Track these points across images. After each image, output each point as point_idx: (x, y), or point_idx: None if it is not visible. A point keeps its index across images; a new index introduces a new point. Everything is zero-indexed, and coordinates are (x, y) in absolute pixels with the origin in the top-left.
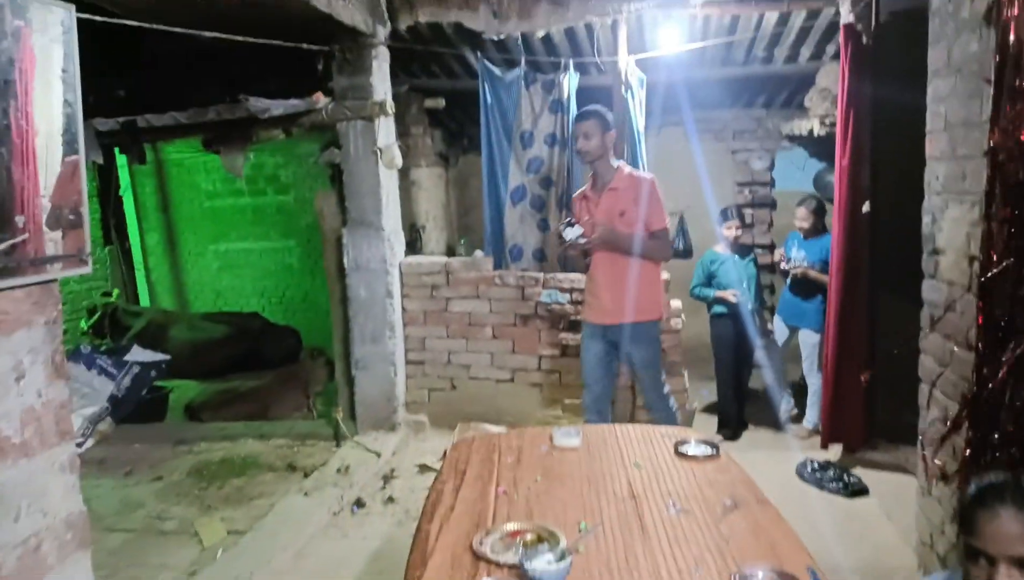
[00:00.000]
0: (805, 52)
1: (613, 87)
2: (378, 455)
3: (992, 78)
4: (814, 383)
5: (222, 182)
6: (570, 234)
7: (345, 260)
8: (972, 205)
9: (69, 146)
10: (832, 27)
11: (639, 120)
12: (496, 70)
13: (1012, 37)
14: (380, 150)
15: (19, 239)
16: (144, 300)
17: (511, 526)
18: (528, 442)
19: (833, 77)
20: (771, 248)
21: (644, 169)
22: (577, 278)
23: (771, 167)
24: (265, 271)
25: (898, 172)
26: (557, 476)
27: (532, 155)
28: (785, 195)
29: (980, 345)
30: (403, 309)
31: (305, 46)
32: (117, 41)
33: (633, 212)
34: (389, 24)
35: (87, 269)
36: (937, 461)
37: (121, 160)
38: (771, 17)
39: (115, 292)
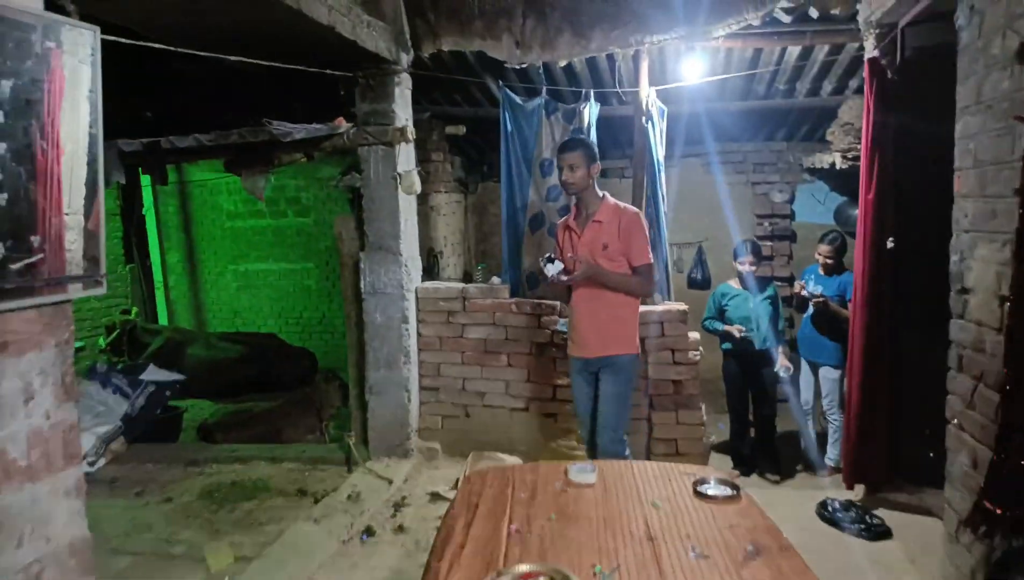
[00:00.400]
0: (827, 86)
1: (634, 117)
2: (389, 482)
3: None
4: (835, 420)
5: (244, 203)
6: (551, 270)
7: (362, 284)
8: (1003, 244)
9: (90, 167)
10: (855, 61)
11: (659, 151)
12: (517, 98)
13: None
14: (400, 175)
15: (34, 259)
16: (163, 318)
17: (523, 568)
18: (543, 477)
19: (856, 111)
20: (790, 281)
21: (664, 200)
22: None
23: (791, 200)
24: (283, 292)
25: (924, 208)
26: (572, 515)
27: (551, 183)
28: (805, 228)
29: (1009, 387)
30: (418, 334)
31: (328, 72)
32: (144, 63)
33: (616, 246)
34: (412, 51)
35: (102, 290)
36: (965, 506)
37: (145, 179)
38: (794, 51)
39: (134, 310)
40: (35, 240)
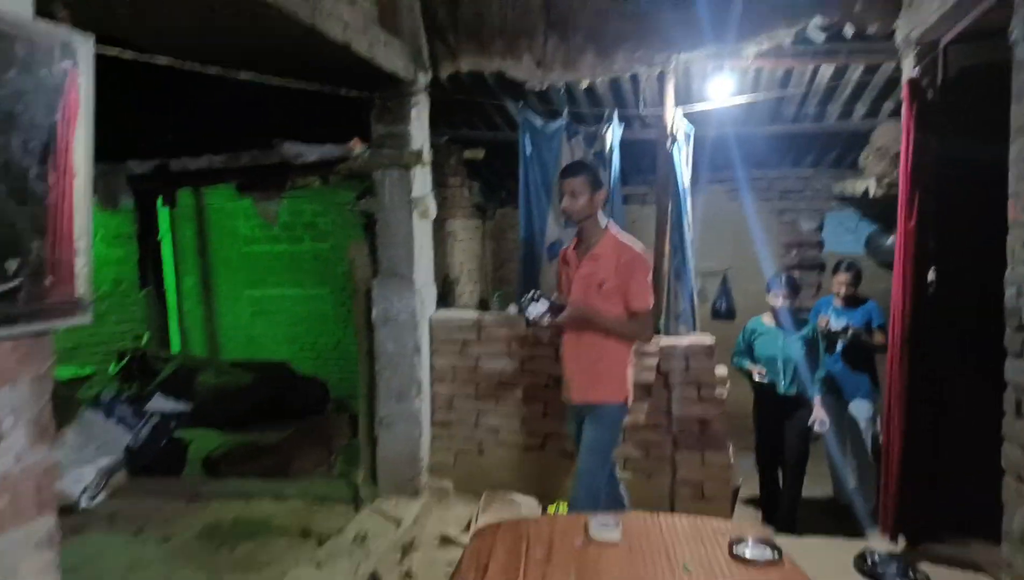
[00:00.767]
0: (860, 109)
1: (658, 140)
2: (398, 523)
3: None
4: (863, 459)
5: (260, 228)
6: (533, 312)
7: (374, 312)
8: None
9: (82, 186)
10: (891, 83)
11: (685, 175)
12: (537, 121)
13: None
14: (415, 200)
15: (9, 286)
16: (176, 343)
17: None
18: (560, 532)
19: (891, 135)
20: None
21: (690, 227)
22: None
23: (820, 228)
24: (298, 318)
25: (970, 237)
26: (593, 578)
27: None
28: (836, 258)
29: None
30: (431, 366)
31: (344, 92)
32: (160, 85)
33: (612, 284)
34: (430, 72)
35: (87, 319)
36: None
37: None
38: (827, 71)
39: (145, 336)
40: (11, 264)
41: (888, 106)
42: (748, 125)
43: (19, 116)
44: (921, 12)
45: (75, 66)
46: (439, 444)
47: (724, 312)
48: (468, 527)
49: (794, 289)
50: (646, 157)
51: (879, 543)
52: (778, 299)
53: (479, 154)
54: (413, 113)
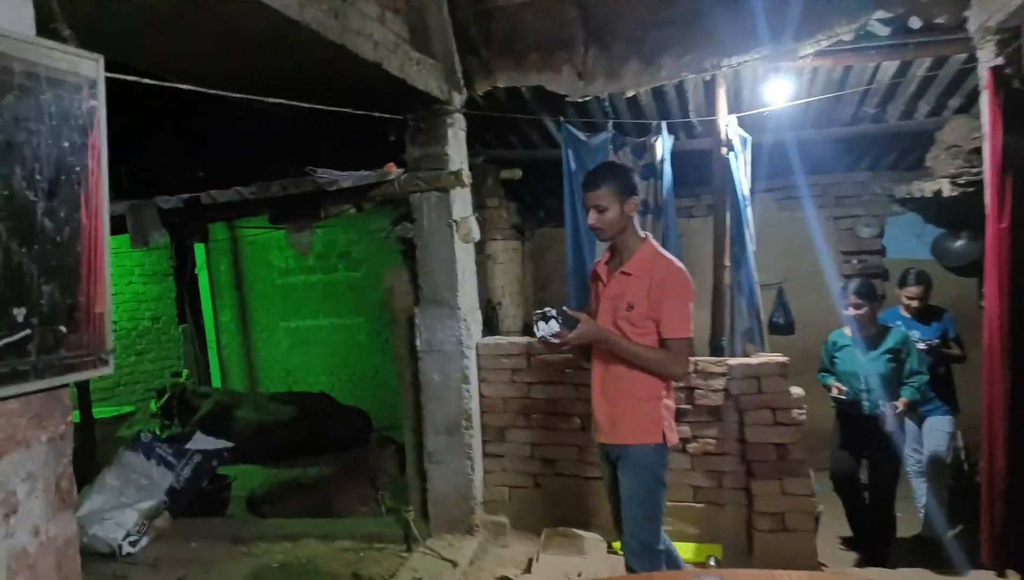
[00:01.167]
0: (923, 107)
1: (712, 149)
2: (453, 564)
3: None
4: (943, 482)
5: (295, 259)
6: (544, 330)
7: (417, 342)
8: None
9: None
10: (959, 76)
11: (744, 185)
12: (581, 135)
13: None
14: (456, 223)
15: (17, 337)
16: (216, 378)
17: None
18: None
19: (962, 132)
20: None
21: (752, 239)
22: None
23: (880, 234)
24: (335, 349)
25: None
26: None
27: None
28: (899, 264)
29: None
30: (480, 395)
31: (377, 114)
32: (180, 115)
33: (642, 308)
34: (464, 90)
35: (108, 370)
36: None
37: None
38: (889, 68)
39: (184, 373)
40: (18, 313)
41: (954, 102)
42: (801, 130)
43: (42, 153)
44: None
45: (98, 104)
46: (492, 478)
47: (783, 326)
48: (528, 567)
49: (865, 295)
50: (692, 168)
51: (983, 577)
52: (848, 309)
53: (516, 174)
54: (450, 133)
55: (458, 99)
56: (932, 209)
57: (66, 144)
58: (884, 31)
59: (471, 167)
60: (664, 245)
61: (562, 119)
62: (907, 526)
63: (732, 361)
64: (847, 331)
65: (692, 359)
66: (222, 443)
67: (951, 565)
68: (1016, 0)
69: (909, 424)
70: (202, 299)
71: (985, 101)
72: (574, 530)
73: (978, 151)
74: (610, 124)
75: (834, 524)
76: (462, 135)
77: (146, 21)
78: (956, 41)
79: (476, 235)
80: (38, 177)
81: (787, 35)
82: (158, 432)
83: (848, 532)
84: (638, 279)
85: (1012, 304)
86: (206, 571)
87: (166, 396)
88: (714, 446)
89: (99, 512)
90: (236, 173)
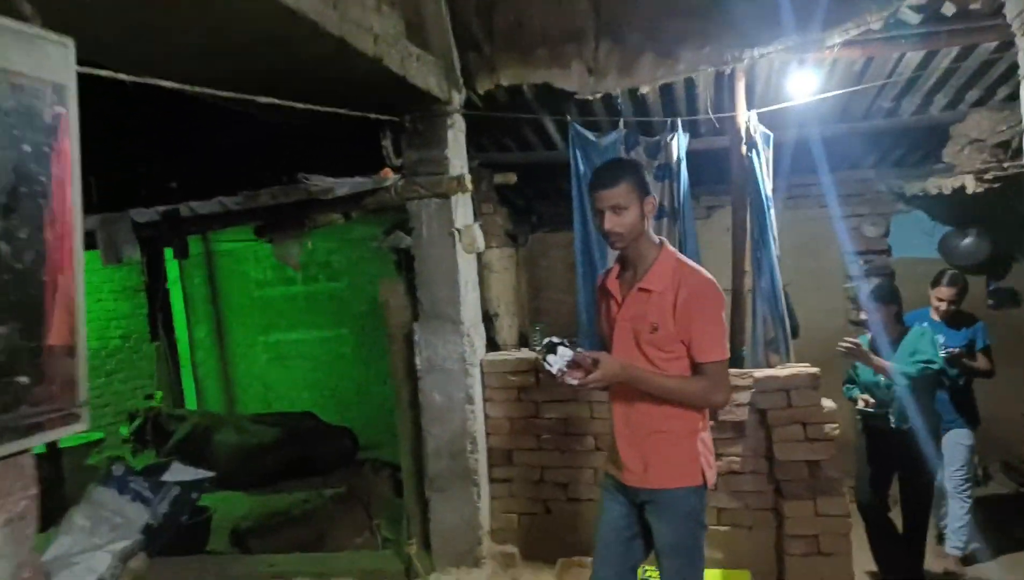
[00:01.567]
0: (939, 101)
1: (731, 147)
2: None
3: None
4: (964, 496)
5: (272, 270)
6: (554, 364)
7: (417, 360)
8: None
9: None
10: (984, 67)
11: (767, 184)
12: (590, 135)
13: None
14: (459, 231)
15: None
16: (191, 397)
17: None
18: None
19: (985, 126)
20: None
21: (775, 242)
22: None
23: (886, 233)
24: (317, 363)
25: None
26: None
27: None
28: (905, 264)
29: None
30: (485, 415)
31: (373, 116)
32: (157, 122)
33: (669, 330)
34: (464, 90)
35: (81, 426)
36: None
37: (169, 251)
38: (912, 59)
39: (158, 395)
40: None
41: (972, 95)
42: (811, 127)
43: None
44: None
45: (68, 100)
46: (500, 505)
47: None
48: None
49: (886, 299)
50: (719, 166)
51: None
52: (868, 313)
53: (511, 178)
54: (449, 135)
55: (457, 99)
56: (937, 207)
57: (26, 148)
58: (915, 18)
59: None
60: (682, 251)
61: (569, 118)
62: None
63: (758, 373)
64: (869, 337)
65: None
66: (202, 472)
67: None
68: None
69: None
70: (175, 315)
71: None
72: (590, 559)
73: (1004, 145)
74: (621, 122)
75: (857, 555)
76: (462, 137)
77: (125, 13)
78: (991, 28)
79: (480, 245)
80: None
81: (814, 24)
82: (131, 458)
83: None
84: (661, 295)
85: None
86: None
87: (138, 420)
88: (739, 464)
89: (67, 556)
90: (218, 184)
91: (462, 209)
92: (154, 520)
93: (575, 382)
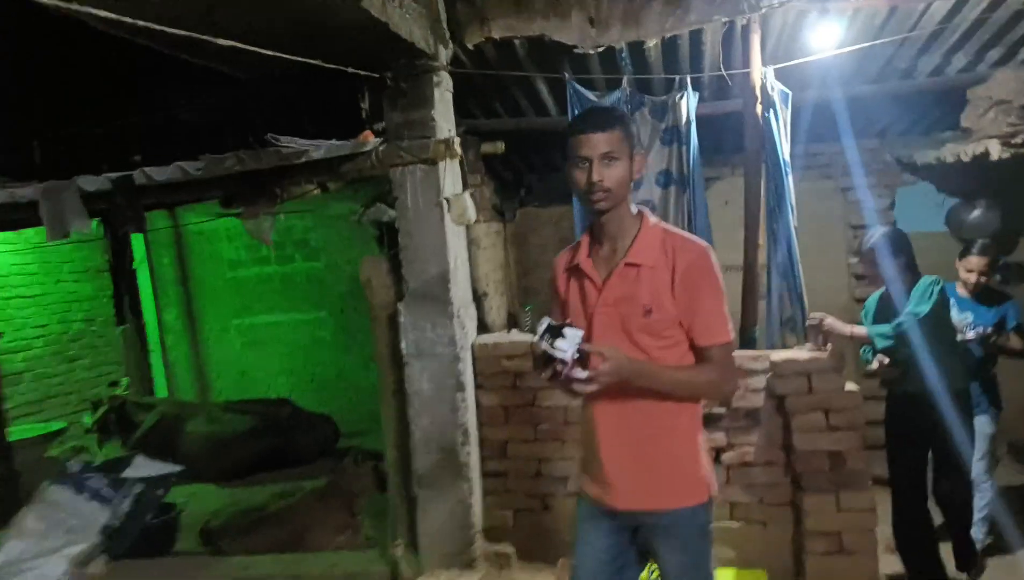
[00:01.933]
0: (958, 61)
1: (745, 107)
2: None
3: None
4: (985, 487)
5: (247, 250)
6: (567, 349)
7: (403, 344)
8: None
9: None
10: (1014, 20)
11: (784, 148)
12: (589, 94)
13: None
14: (447, 201)
15: None
16: (160, 384)
17: None
18: None
19: (1012, 86)
20: None
21: (793, 212)
22: None
23: (891, 206)
24: (294, 346)
25: None
26: None
27: (640, 198)
28: (912, 238)
29: None
30: (478, 405)
31: (351, 70)
32: (110, 76)
33: (668, 311)
34: (451, 44)
35: None
36: None
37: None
38: (938, 10)
39: (123, 382)
40: None
41: (994, 55)
42: (820, 88)
43: None
44: None
45: None
46: (493, 501)
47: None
48: None
49: (896, 246)
50: (731, 128)
51: None
52: (874, 266)
53: (499, 147)
54: (436, 94)
55: (444, 54)
56: (944, 178)
57: None
58: None
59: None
60: (691, 224)
61: (568, 75)
62: None
63: (775, 355)
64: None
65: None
66: (168, 467)
67: None
68: None
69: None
70: (143, 297)
71: None
72: None
73: None
74: (625, 80)
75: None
76: (449, 97)
77: None
78: None
79: (472, 216)
80: None
81: None
82: (96, 449)
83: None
84: (653, 271)
85: None
86: None
87: (102, 409)
88: (753, 455)
89: (18, 562)
90: (177, 148)
91: (451, 177)
92: (115, 521)
93: (584, 377)
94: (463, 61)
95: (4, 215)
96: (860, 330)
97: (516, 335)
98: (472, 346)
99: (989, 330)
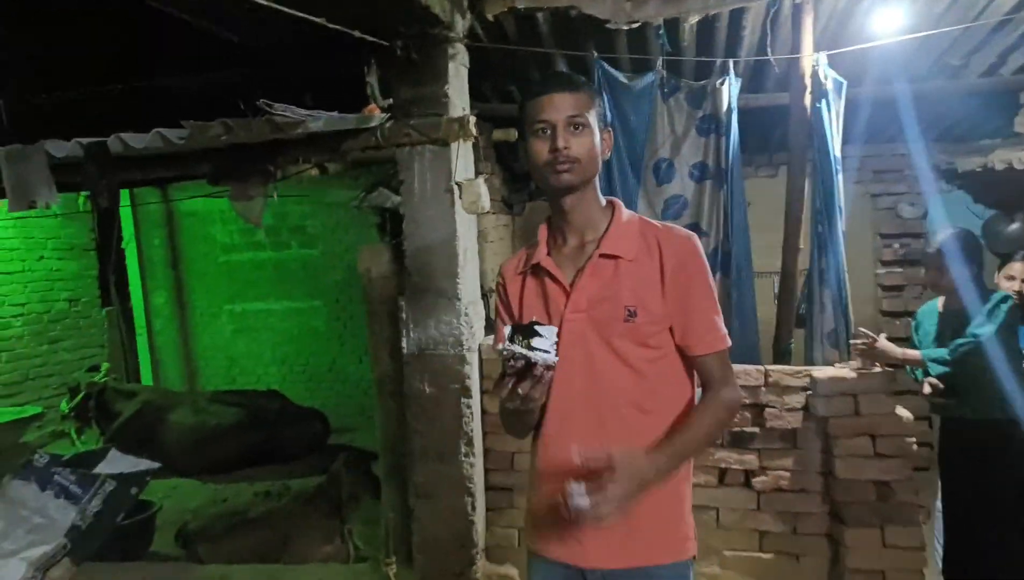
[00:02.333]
0: (1016, 59)
1: (792, 98)
2: None
3: None
4: None
5: (240, 234)
6: (545, 347)
7: (403, 342)
8: None
9: None
10: None
11: (836, 143)
12: (620, 76)
13: None
14: (459, 186)
15: None
16: (146, 371)
17: None
18: None
19: None
20: None
21: (842, 214)
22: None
23: (925, 215)
24: (287, 335)
25: None
26: None
27: (671, 193)
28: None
29: None
30: (483, 411)
31: (357, 34)
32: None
33: (656, 310)
34: (468, 14)
35: None
36: None
37: (125, 210)
38: None
39: (104, 366)
40: None
41: None
42: (856, 84)
43: None
44: None
45: None
46: (498, 517)
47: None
48: None
49: (967, 251)
50: (776, 120)
51: None
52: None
53: (511, 135)
54: (451, 68)
55: (461, 25)
56: (988, 186)
57: None
58: None
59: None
60: (729, 220)
61: (596, 54)
62: None
63: (817, 372)
64: (940, 306)
65: (764, 368)
66: (145, 463)
67: None
68: None
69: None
70: (130, 278)
71: None
72: None
73: None
74: (659, 62)
75: None
76: (464, 73)
77: None
78: None
79: (486, 204)
80: None
81: None
82: (75, 437)
83: None
84: (635, 264)
85: None
86: None
87: (80, 395)
88: (788, 480)
89: None
90: (157, 114)
91: (463, 160)
92: (82, 521)
93: (585, 504)
94: (479, 36)
95: None
96: (914, 355)
97: None
98: (479, 347)
99: None
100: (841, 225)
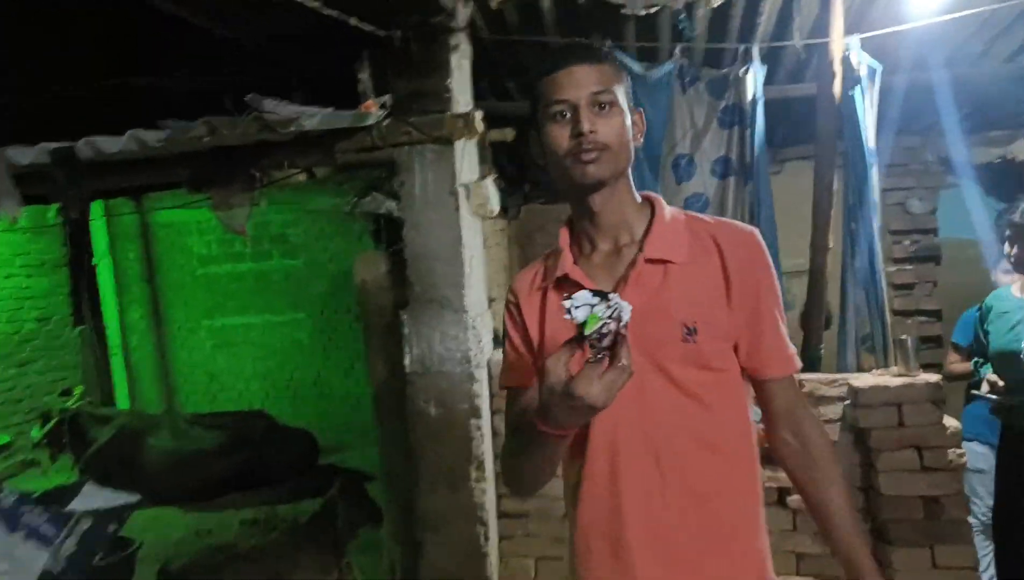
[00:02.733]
0: None
1: (820, 85)
2: None
3: None
4: None
5: (219, 244)
6: (624, 312)
7: (406, 359)
8: None
9: None
10: None
11: (870, 133)
12: (635, 65)
13: None
14: (465, 188)
15: None
16: (122, 391)
17: None
18: None
19: None
20: (938, 314)
21: (876, 210)
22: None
23: (934, 210)
24: (269, 350)
25: None
26: None
27: (691, 191)
28: (954, 246)
29: None
30: (494, 433)
31: (353, 21)
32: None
33: (723, 323)
34: (471, 3)
35: None
36: None
37: (99, 223)
38: None
39: (77, 390)
40: None
41: None
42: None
43: None
44: None
45: None
46: (512, 547)
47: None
48: None
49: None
50: (804, 110)
51: None
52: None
53: (508, 135)
54: (453, 60)
55: (463, 14)
56: (1004, 179)
57: None
58: None
59: None
60: (755, 219)
61: (609, 42)
62: None
63: (855, 380)
64: (1017, 290)
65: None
66: (123, 497)
67: None
68: None
69: (977, 450)
70: (104, 295)
71: None
72: None
73: None
74: (677, 50)
75: None
76: (467, 66)
77: None
78: None
79: (495, 207)
80: None
81: None
82: (50, 464)
83: None
84: (689, 269)
85: None
86: None
87: (52, 421)
88: None
89: None
90: (133, 116)
91: (468, 159)
92: (55, 565)
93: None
94: (479, 27)
95: None
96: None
97: None
98: (488, 362)
99: None
100: (876, 222)
